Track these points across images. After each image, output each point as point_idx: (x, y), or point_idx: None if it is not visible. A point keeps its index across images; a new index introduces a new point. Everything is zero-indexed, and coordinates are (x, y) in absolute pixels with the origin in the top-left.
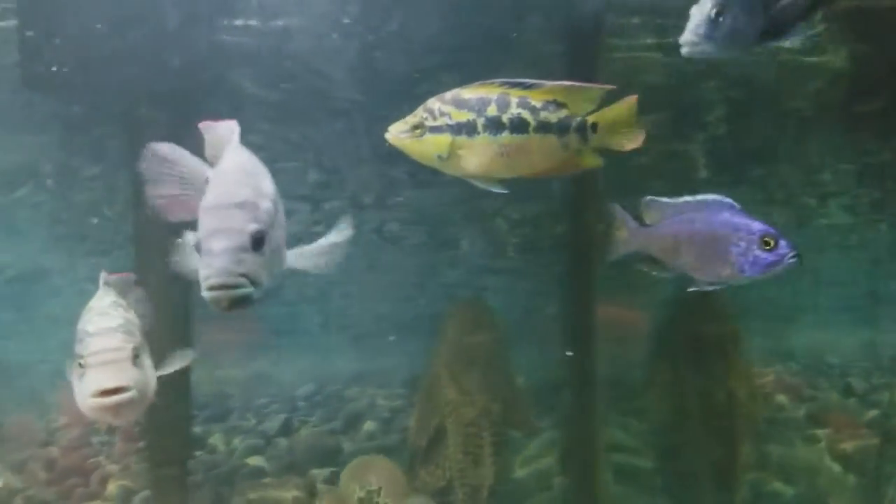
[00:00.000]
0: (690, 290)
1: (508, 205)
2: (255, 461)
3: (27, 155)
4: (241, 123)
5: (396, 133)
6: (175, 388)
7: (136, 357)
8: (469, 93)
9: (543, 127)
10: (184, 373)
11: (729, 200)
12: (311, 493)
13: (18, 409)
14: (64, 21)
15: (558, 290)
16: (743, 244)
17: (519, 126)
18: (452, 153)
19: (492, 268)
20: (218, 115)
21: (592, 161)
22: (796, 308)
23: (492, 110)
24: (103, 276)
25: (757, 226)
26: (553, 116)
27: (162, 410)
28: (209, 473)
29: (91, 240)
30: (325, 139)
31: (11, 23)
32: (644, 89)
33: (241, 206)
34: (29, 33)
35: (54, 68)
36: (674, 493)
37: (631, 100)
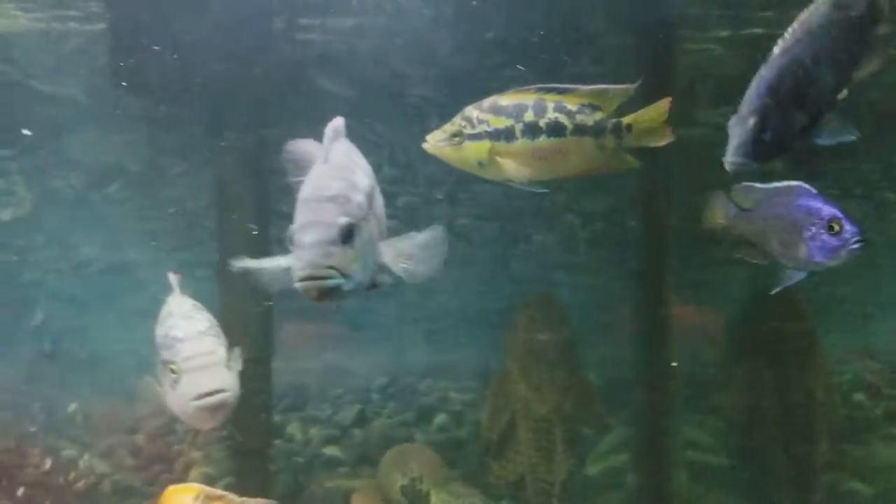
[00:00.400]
0: (774, 290)
1: (580, 199)
2: (331, 451)
3: (116, 153)
4: (319, 121)
5: (435, 142)
6: (257, 378)
7: (227, 360)
8: (506, 100)
9: (580, 130)
10: (265, 364)
11: (807, 186)
12: None
13: (106, 398)
14: (151, 23)
15: (631, 285)
16: (813, 229)
17: (556, 130)
18: (492, 159)
19: (563, 263)
20: (296, 114)
21: (629, 162)
22: (876, 305)
23: (529, 116)
24: (172, 277)
25: (826, 210)
26: (589, 119)
27: (244, 400)
28: (287, 462)
29: (175, 235)
30: (398, 135)
31: (102, 26)
32: (719, 82)
33: (332, 199)
34: (119, 36)
35: (143, 69)
36: (750, 491)
37: (664, 102)
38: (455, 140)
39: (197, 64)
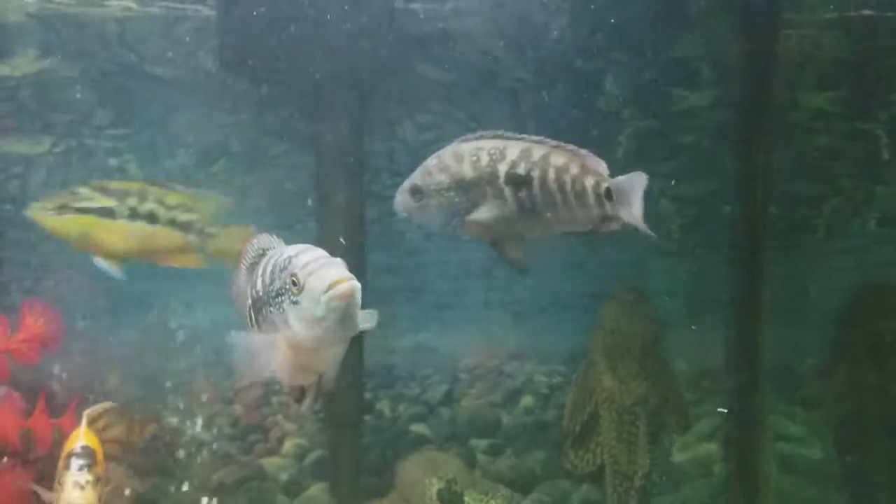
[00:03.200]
0: None
1: (677, 184)
2: (419, 428)
3: (221, 133)
4: (415, 104)
5: (39, 210)
6: (350, 353)
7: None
8: (115, 184)
9: (171, 223)
10: (357, 341)
11: None
12: (471, 462)
13: (207, 370)
14: (256, 6)
15: (725, 272)
16: None
17: (151, 218)
18: (90, 233)
19: (656, 248)
20: (394, 97)
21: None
22: None
23: (132, 201)
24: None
25: None
26: (182, 216)
27: (338, 374)
28: (376, 437)
29: (275, 214)
30: (492, 118)
31: (207, 9)
32: (823, 66)
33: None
34: (225, 18)
35: (247, 51)
36: (845, 488)
37: (248, 230)
38: (60, 210)
39: (299, 47)
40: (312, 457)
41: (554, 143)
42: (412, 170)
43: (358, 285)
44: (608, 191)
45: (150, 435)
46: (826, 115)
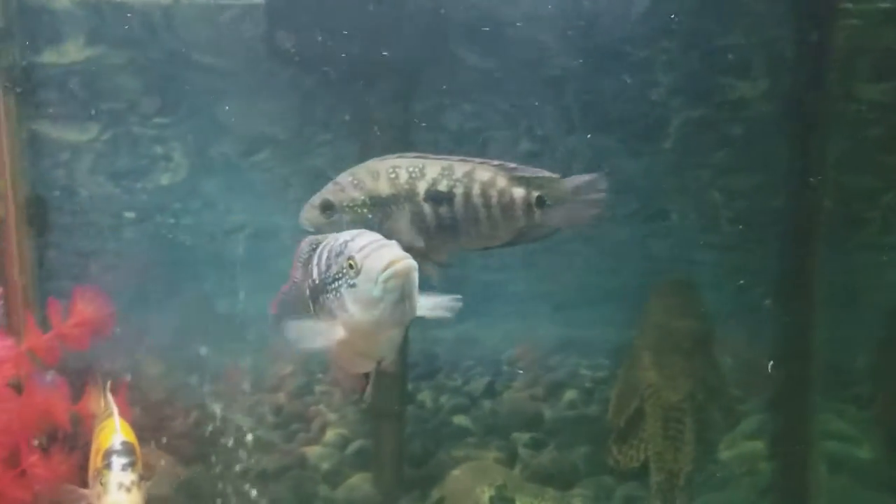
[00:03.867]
0: None
1: (725, 176)
2: (461, 420)
3: (265, 122)
4: (458, 93)
5: None
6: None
7: None
8: None
9: None
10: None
11: None
12: (512, 455)
13: (250, 358)
14: None
15: (774, 267)
16: None
17: None
18: None
19: (703, 241)
20: (439, 86)
21: None
22: None
23: None
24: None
25: None
26: None
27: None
28: (417, 428)
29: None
30: (536, 108)
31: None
32: (879, 56)
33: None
34: (273, 6)
35: (294, 39)
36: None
37: None
38: None
39: (344, 35)
40: (354, 447)
41: (479, 160)
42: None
43: (414, 264)
44: (539, 199)
45: (193, 421)
46: (881, 106)
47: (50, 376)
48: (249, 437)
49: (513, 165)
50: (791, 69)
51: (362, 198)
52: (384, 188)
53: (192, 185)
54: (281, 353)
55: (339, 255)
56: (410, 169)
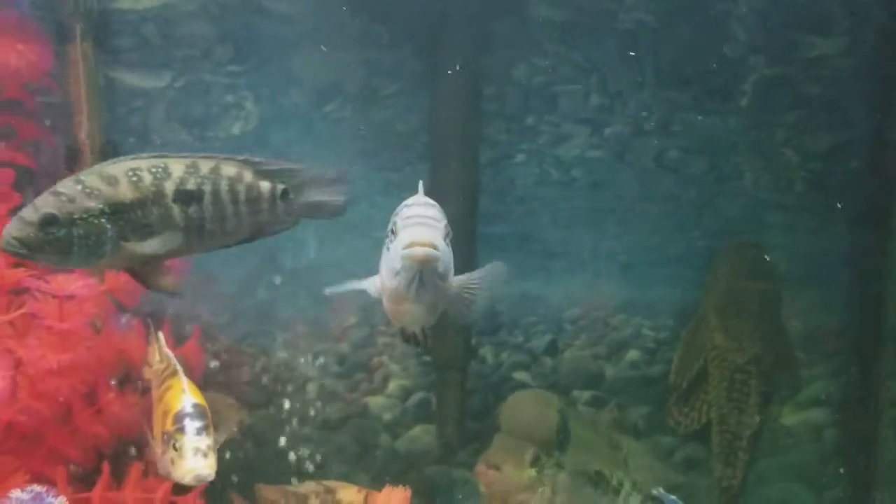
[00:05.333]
0: None
1: (801, 136)
2: (521, 376)
3: (335, 73)
4: (528, 46)
5: None
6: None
7: (447, 235)
8: None
9: None
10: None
11: None
12: (574, 411)
13: (316, 309)
14: None
15: (847, 231)
16: None
17: None
18: None
19: (775, 203)
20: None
21: None
22: None
23: None
24: (421, 184)
25: None
26: None
27: (446, 314)
28: (479, 383)
29: (385, 156)
30: (609, 61)
31: None
32: None
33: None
34: None
35: None
36: None
37: None
38: None
39: None
40: (415, 398)
41: (222, 155)
42: (525, 113)
43: (436, 256)
44: (284, 192)
45: (259, 368)
46: None
47: (125, 319)
48: (313, 385)
49: (257, 159)
50: (874, 27)
51: (99, 207)
52: (126, 193)
53: (263, 134)
54: (345, 305)
55: (396, 214)
56: (153, 169)
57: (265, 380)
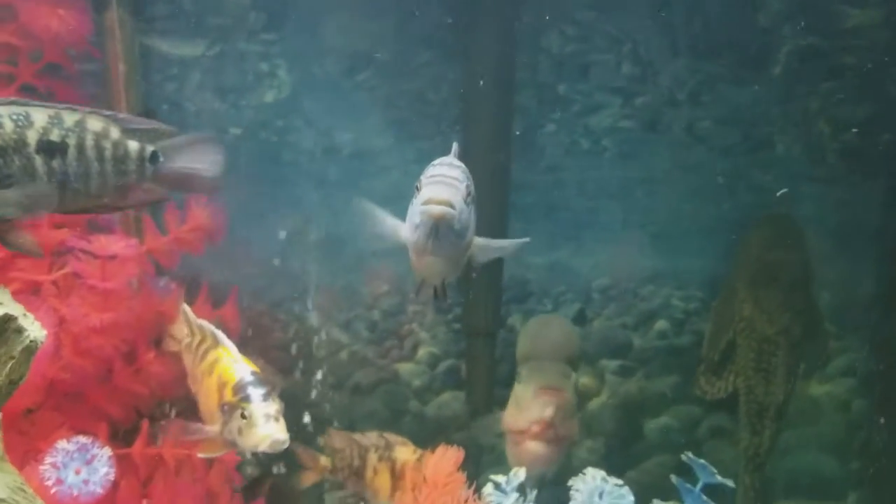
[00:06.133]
0: None
1: (835, 107)
2: None
3: (368, 41)
4: (561, 14)
5: None
6: (487, 267)
7: (468, 195)
8: None
9: None
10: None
11: None
12: (602, 380)
13: (347, 276)
14: None
15: (879, 202)
16: None
17: None
18: None
19: (807, 174)
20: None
21: None
22: None
23: None
24: (455, 146)
25: None
26: None
27: (478, 285)
28: (507, 350)
29: (417, 124)
30: (641, 31)
31: None
32: None
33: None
34: None
35: None
36: None
37: None
38: None
39: None
40: (444, 365)
41: (88, 109)
42: (556, 83)
43: (451, 214)
44: (154, 154)
45: (292, 334)
46: None
47: (163, 282)
48: (345, 351)
49: (124, 116)
50: None
51: None
52: None
53: (295, 103)
54: (377, 273)
55: (424, 173)
56: (14, 116)
57: (298, 345)
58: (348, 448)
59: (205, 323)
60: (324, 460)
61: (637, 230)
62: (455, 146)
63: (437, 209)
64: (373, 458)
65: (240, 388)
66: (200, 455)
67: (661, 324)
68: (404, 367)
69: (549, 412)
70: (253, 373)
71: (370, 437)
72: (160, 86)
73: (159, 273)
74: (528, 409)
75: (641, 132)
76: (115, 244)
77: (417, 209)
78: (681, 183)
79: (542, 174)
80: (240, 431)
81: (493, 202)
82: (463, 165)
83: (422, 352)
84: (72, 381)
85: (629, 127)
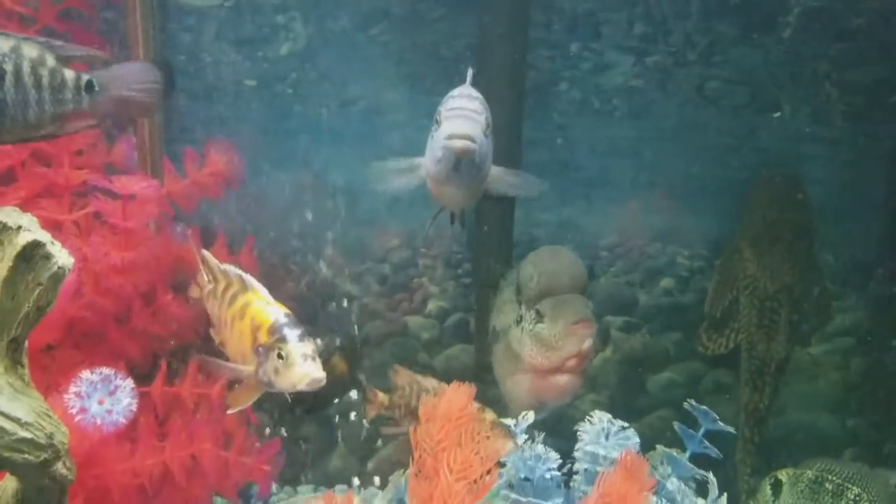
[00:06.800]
0: None
1: (844, 69)
2: None
3: None
4: None
5: None
6: (499, 220)
7: (487, 127)
8: None
9: None
10: (509, 209)
11: None
12: (605, 339)
13: (358, 229)
14: None
15: (886, 165)
16: None
17: None
18: None
19: (814, 135)
20: None
21: None
22: None
23: None
24: (470, 71)
25: None
26: None
27: (486, 239)
28: None
29: (431, 79)
30: None
31: None
32: None
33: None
34: None
35: None
36: None
37: None
38: None
39: None
40: (453, 319)
41: (22, 35)
42: (569, 41)
43: (473, 148)
44: (89, 83)
45: (305, 285)
46: None
47: (179, 228)
48: (356, 303)
49: (59, 43)
50: None
51: None
52: None
53: (310, 55)
54: (388, 227)
55: (442, 104)
56: None
57: (309, 297)
58: (408, 387)
59: (230, 268)
60: (381, 396)
61: (646, 189)
62: (470, 72)
63: (460, 143)
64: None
65: (275, 329)
66: (230, 411)
67: (666, 281)
68: (414, 321)
69: (587, 345)
70: (287, 314)
71: (430, 381)
72: (176, 36)
73: (175, 220)
74: (562, 345)
75: (652, 92)
76: (135, 184)
77: (439, 143)
78: (689, 143)
79: (553, 132)
80: (276, 372)
81: (507, 161)
82: (481, 96)
83: (431, 305)
84: (92, 320)
85: (640, 86)
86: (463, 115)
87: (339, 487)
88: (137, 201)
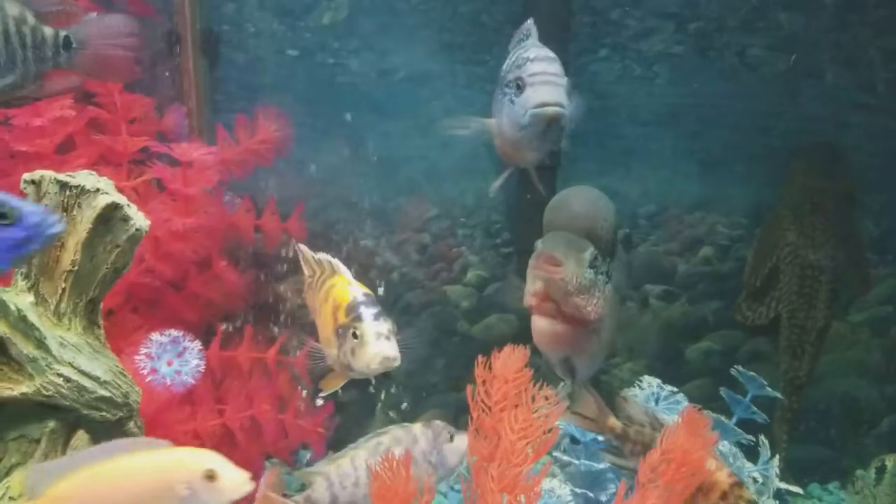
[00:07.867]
0: None
1: (886, 35)
2: None
3: None
4: None
5: None
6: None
7: (568, 91)
8: None
9: None
10: (550, 178)
11: None
12: (644, 304)
13: (398, 198)
14: None
15: None
16: None
17: None
18: None
19: (856, 102)
20: None
21: None
22: None
23: None
24: (532, 26)
25: None
26: None
27: (527, 208)
28: None
29: (471, 48)
30: None
31: None
32: None
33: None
34: None
35: None
36: None
37: None
38: None
39: None
40: (492, 288)
41: None
42: (610, 7)
43: (564, 115)
44: (67, 39)
45: (345, 254)
46: None
47: (227, 197)
48: (396, 272)
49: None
50: None
51: None
52: None
53: (352, 25)
54: (427, 196)
55: (518, 67)
56: None
57: (349, 265)
58: (649, 426)
59: (322, 255)
60: (613, 422)
61: (686, 157)
62: (532, 26)
63: (552, 111)
64: None
65: (352, 309)
66: (323, 394)
67: (706, 250)
68: (453, 290)
69: (538, 286)
70: (365, 294)
71: (664, 417)
72: (219, 6)
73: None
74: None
75: (693, 58)
76: (194, 151)
77: (524, 110)
78: (731, 110)
79: (594, 100)
80: (352, 352)
81: None
82: (555, 55)
83: (470, 274)
84: (151, 286)
85: (681, 53)
86: (548, 82)
87: None
88: (196, 168)
